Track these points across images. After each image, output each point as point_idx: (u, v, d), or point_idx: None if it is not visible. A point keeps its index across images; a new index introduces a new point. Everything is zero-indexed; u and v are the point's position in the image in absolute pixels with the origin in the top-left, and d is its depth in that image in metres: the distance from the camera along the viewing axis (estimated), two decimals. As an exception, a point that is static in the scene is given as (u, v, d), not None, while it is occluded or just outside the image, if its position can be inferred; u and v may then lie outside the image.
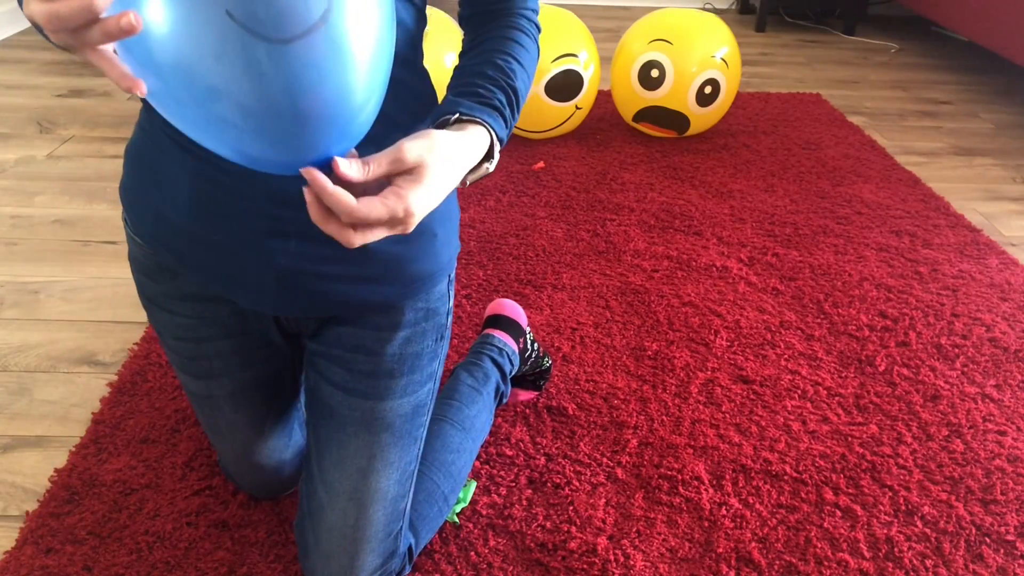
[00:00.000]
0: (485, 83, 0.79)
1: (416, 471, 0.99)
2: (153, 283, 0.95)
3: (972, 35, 2.90)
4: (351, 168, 0.60)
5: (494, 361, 1.23)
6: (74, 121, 2.39)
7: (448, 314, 0.98)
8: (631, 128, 2.45)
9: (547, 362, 1.33)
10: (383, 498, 0.94)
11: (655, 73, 2.21)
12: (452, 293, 0.99)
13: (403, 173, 0.64)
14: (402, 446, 0.95)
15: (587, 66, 2.20)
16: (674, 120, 2.29)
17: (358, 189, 0.62)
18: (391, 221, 0.62)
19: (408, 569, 1.00)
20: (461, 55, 0.86)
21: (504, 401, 1.26)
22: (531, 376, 1.32)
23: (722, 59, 2.22)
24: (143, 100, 0.93)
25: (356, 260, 0.85)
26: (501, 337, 1.27)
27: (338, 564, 0.93)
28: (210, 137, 0.58)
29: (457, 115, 0.74)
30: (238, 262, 0.85)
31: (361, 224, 0.61)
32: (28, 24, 3.30)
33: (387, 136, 0.70)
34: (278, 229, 0.82)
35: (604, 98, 2.58)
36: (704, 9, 3.05)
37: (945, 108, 2.82)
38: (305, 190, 0.60)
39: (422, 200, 0.64)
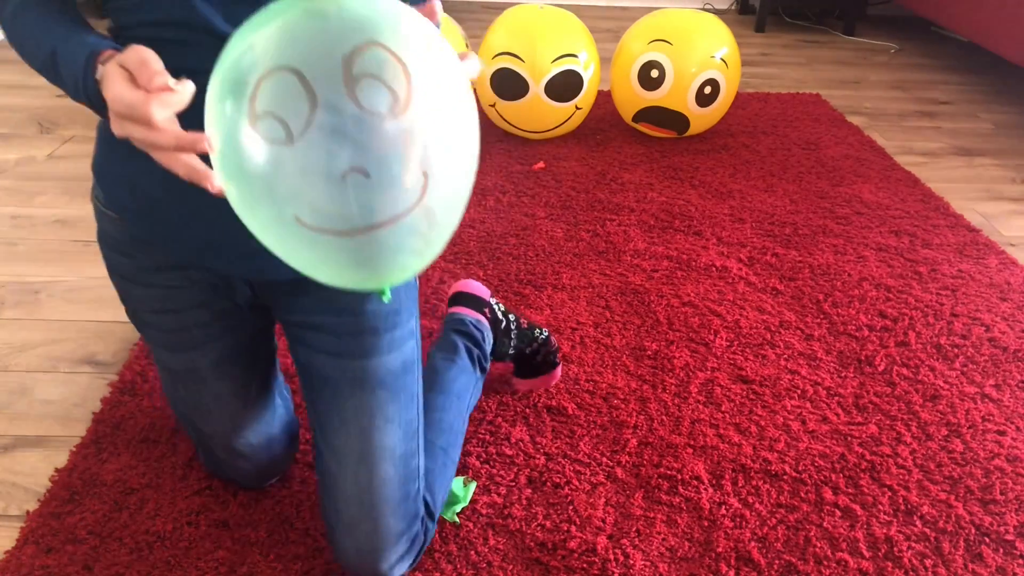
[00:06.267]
0: None
1: (421, 429, 1.00)
2: (128, 259, 0.97)
3: (972, 35, 2.91)
4: None
5: (458, 331, 1.27)
6: (75, 121, 2.39)
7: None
8: (631, 128, 2.45)
9: (541, 333, 1.34)
10: (391, 456, 0.95)
11: (655, 73, 2.21)
12: None
13: None
14: (400, 402, 0.97)
15: (587, 66, 2.20)
16: (674, 120, 2.30)
17: None
18: None
19: (433, 530, 1.02)
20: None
21: (486, 365, 1.28)
22: (532, 352, 1.33)
23: (722, 59, 2.22)
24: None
25: None
26: (460, 312, 1.32)
27: (363, 533, 0.94)
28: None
29: None
30: (214, 228, 0.85)
31: None
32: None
33: None
34: None
35: (604, 98, 2.58)
36: (704, 9, 3.05)
37: (945, 108, 2.82)
38: None
39: None
